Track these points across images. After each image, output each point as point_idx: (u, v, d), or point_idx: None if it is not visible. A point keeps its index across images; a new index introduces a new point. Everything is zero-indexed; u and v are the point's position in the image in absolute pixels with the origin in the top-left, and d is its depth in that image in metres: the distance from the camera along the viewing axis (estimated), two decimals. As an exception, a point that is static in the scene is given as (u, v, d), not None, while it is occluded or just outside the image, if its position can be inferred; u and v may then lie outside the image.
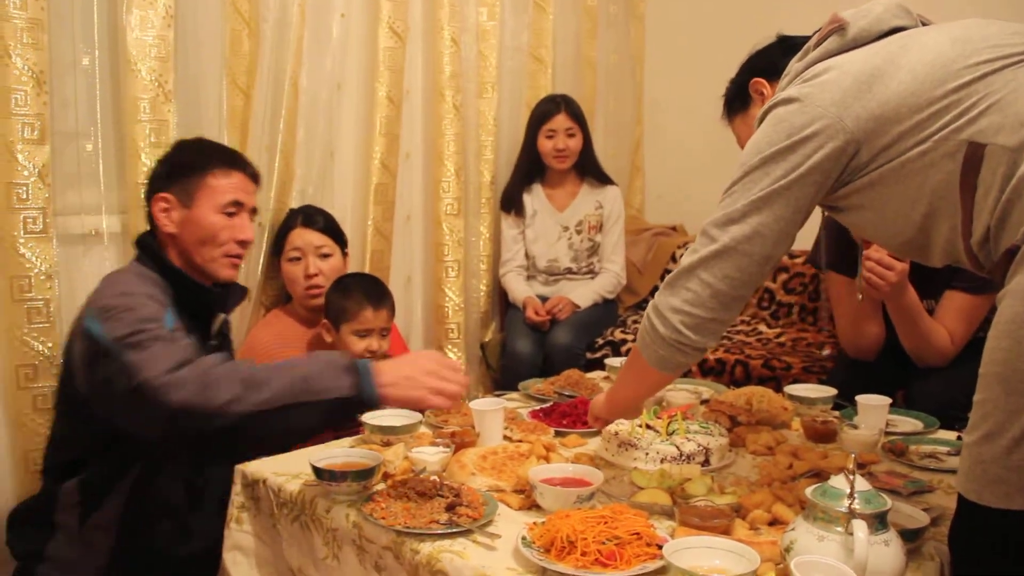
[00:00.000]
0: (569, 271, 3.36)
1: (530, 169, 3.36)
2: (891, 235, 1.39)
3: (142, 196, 2.05)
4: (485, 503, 1.56)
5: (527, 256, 3.38)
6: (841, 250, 2.44)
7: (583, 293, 3.28)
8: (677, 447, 1.82)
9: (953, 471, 1.81)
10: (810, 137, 1.33)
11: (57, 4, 2.18)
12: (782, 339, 3.22)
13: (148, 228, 1.95)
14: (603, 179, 3.38)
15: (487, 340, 3.41)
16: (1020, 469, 1.14)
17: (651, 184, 4.08)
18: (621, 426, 1.92)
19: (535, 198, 3.36)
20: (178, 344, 1.61)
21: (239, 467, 1.76)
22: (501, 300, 3.48)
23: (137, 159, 2.30)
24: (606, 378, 2.60)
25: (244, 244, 1.95)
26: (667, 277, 1.49)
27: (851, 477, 1.31)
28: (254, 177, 1.98)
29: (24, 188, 2.09)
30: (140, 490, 1.76)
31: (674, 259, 3.70)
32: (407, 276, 3.12)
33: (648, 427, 1.93)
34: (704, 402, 2.30)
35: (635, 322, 3.43)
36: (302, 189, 2.72)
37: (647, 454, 1.81)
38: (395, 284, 2.94)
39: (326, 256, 2.55)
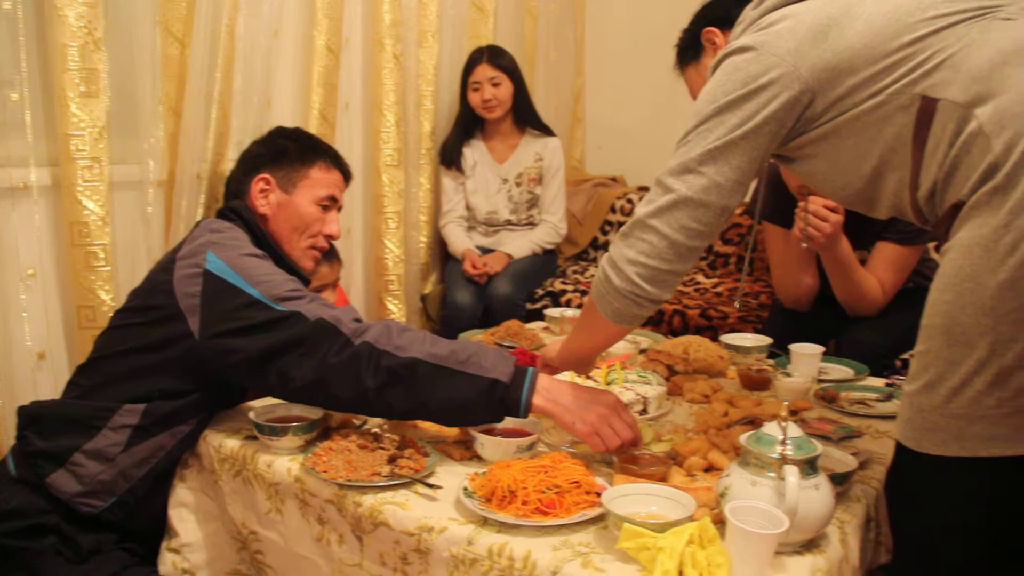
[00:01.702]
0: (509, 223, 3.36)
1: (467, 122, 3.35)
2: (840, 186, 1.40)
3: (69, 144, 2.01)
4: (427, 454, 1.58)
5: (467, 208, 3.37)
6: (777, 202, 2.47)
7: (520, 244, 3.29)
8: (631, 395, 1.86)
9: (882, 416, 1.90)
10: (766, 86, 1.32)
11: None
12: (719, 289, 3.27)
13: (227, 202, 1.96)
14: (543, 130, 3.37)
15: (427, 292, 3.41)
16: (957, 417, 1.20)
17: (591, 135, 4.09)
18: (560, 376, 1.95)
19: (474, 150, 3.35)
20: (344, 306, 1.69)
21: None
22: (441, 251, 3.48)
23: (67, 109, 2.22)
24: (545, 328, 2.63)
25: (331, 238, 2.00)
26: (622, 227, 1.47)
27: (783, 424, 1.35)
28: (348, 177, 2.05)
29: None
30: (193, 438, 1.75)
31: (614, 210, 3.73)
32: (347, 228, 3.09)
33: (587, 377, 1.96)
34: (642, 351, 2.34)
35: (575, 272, 3.46)
36: (239, 140, 2.65)
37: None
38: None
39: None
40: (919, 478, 1.28)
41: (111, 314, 1.87)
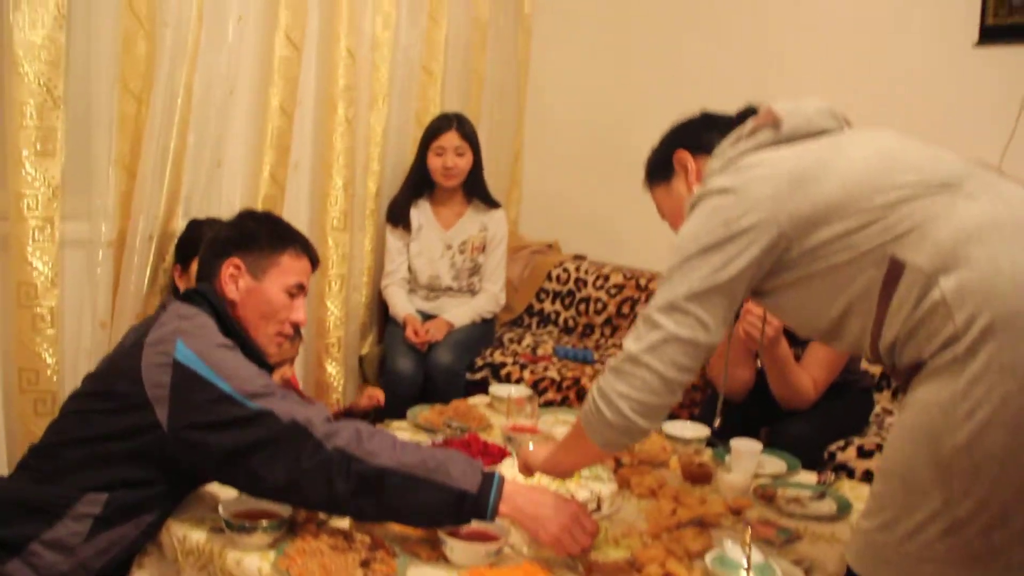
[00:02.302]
0: (450, 289, 3.40)
1: (418, 184, 3.37)
2: (804, 323, 1.50)
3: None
4: (395, 555, 1.60)
5: (410, 270, 3.39)
6: None
7: (461, 312, 3.32)
8: (572, 495, 1.92)
9: (816, 518, 2.01)
10: (746, 230, 1.39)
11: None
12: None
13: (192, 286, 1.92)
14: (489, 202, 3.43)
15: (364, 353, 3.40)
16: (910, 556, 1.29)
17: (527, 199, 4.16)
18: (512, 470, 2.00)
19: (421, 213, 3.38)
20: (314, 402, 1.71)
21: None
22: (380, 311, 3.48)
23: (20, 167, 2.17)
24: (489, 405, 2.66)
25: (297, 325, 1.98)
26: (610, 362, 1.53)
27: (747, 552, 1.44)
28: (315, 264, 2.03)
29: None
30: (158, 528, 1.72)
31: (550, 278, 3.81)
32: (288, 288, 3.06)
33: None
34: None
35: (511, 341, 3.52)
36: (187, 197, 2.63)
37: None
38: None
39: None
40: None
41: (54, 378, 1.84)
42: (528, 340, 3.55)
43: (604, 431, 1.51)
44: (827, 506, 2.09)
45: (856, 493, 2.18)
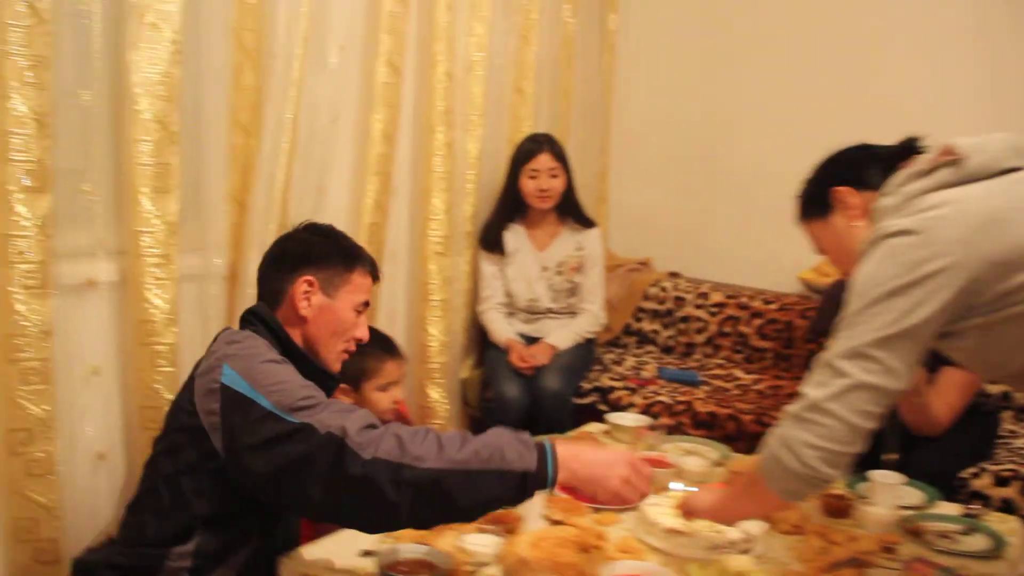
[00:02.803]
0: (550, 311, 3.33)
1: (511, 207, 3.32)
2: (991, 366, 1.46)
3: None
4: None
5: (507, 294, 3.33)
6: None
7: (564, 335, 3.25)
8: (723, 533, 1.84)
9: (971, 555, 1.89)
10: (933, 274, 1.36)
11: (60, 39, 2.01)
12: (760, 386, 3.27)
13: (261, 301, 1.89)
14: (584, 221, 3.36)
15: (464, 377, 3.35)
16: None
17: (616, 216, 4.07)
18: (658, 508, 1.92)
19: (515, 236, 3.32)
20: (356, 409, 1.60)
21: (285, 559, 1.69)
22: (478, 335, 3.43)
23: (137, 205, 2.15)
24: (606, 432, 2.59)
25: (360, 342, 1.96)
26: (790, 409, 1.48)
27: None
28: (377, 280, 2.01)
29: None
30: (254, 566, 1.70)
31: (647, 297, 3.73)
32: (390, 315, 3.03)
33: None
34: (717, 465, 2.33)
35: (613, 362, 3.44)
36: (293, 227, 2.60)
37: (695, 542, 1.81)
38: (379, 323, 2.85)
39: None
40: None
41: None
42: (630, 361, 3.47)
43: (787, 481, 1.47)
44: (980, 542, 1.99)
45: (1008, 527, 2.08)
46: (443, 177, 3.04)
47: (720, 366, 3.48)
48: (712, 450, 2.48)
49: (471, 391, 3.36)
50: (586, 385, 3.24)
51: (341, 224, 2.73)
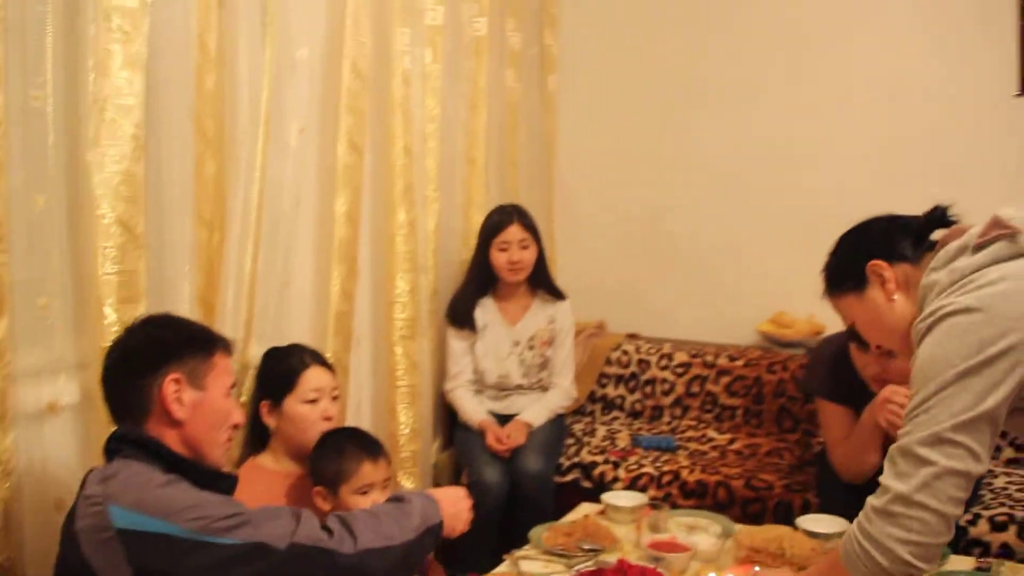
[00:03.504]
0: (520, 387, 3.23)
1: (481, 282, 3.22)
2: None
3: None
4: None
5: (475, 371, 3.22)
6: (838, 383, 2.54)
7: (537, 411, 3.15)
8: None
9: None
10: (1005, 351, 1.34)
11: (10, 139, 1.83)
12: (736, 446, 3.23)
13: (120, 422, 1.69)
14: (556, 294, 3.29)
15: (434, 462, 3.21)
16: None
17: (565, 281, 4.00)
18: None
19: (486, 311, 3.22)
20: (290, 511, 1.58)
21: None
22: (445, 416, 3.30)
23: (101, 316, 1.96)
24: (601, 512, 2.49)
25: (236, 428, 1.81)
26: (874, 503, 1.43)
27: None
28: (232, 354, 1.85)
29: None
30: None
31: (609, 362, 3.66)
32: (356, 405, 2.87)
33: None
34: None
35: (584, 434, 3.35)
36: (260, 326, 2.44)
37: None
38: (346, 414, 2.69)
39: (335, 399, 2.32)
40: None
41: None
42: (601, 431, 3.38)
43: None
44: None
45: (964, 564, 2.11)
46: (406, 257, 2.92)
47: (692, 427, 3.44)
48: (712, 523, 2.41)
49: (444, 477, 3.21)
50: (565, 462, 3.14)
51: (308, 316, 2.62)
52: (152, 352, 1.68)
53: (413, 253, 2.94)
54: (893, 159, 3.43)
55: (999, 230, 1.44)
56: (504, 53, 3.55)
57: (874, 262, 1.64)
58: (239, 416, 1.79)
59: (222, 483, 1.68)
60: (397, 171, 2.87)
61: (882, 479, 1.43)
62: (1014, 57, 3.26)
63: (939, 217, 1.65)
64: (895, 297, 1.62)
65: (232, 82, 2.30)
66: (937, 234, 1.64)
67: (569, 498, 2.87)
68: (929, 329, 1.43)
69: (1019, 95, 3.25)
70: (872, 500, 1.44)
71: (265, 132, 2.36)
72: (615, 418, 3.61)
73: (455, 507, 1.79)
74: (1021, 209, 1.47)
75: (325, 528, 1.57)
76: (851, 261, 1.70)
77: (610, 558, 2.16)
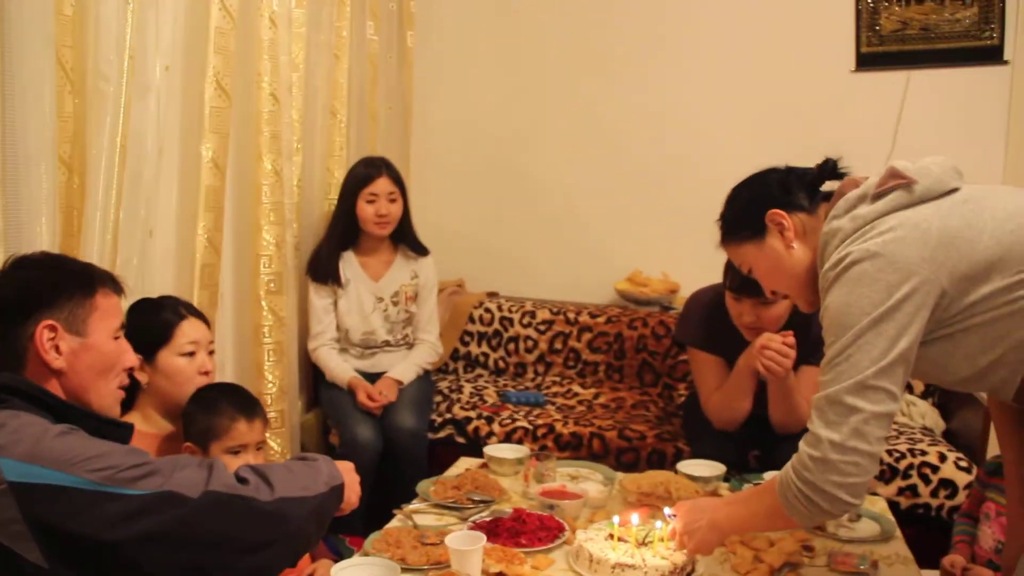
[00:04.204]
0: (387, 343, 3.16)
1: (345, 235, 3.11)
2: (944, 372, 1.54)
3: None
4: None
5: (339, 328, 3.12)
6: (711, 333, 2.63)
7: (406, 368, 3.10)
8: (670, 560, 1.81)
9: (870, 540, 2.04)
10: (910, 294, 1.44)
11: None
12: (602, 400, 3.31)
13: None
14: (419, 249, 3.22)
15: (301, 421, 3.09)
16: None
17: (424, 238, 3.96)
18: (592, 544, 1.87)
19: (348, 266, 3.11)
20: (195, 460, 1.48)
21: None
22: (309, 375, 3.18)
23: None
24: (483, 465, 2.49)
25: (131, 371, 1.71)
26: (813, 454, 1.50)
27: None
28: (122, 293, 1.72)
29: None
30: None
31: (472, 320, 3.65)
32: (220, 363, 2.69)
33: (621, 539, 1.90)
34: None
35: (451, 390, 3.33)
36: (123, 277, 2.25)
37: (647, 573, 1.78)
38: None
39: (211, 353, 2.19)
40: None
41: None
42: (468, 388, 3.37)
43: (818, 517, 1.55)
44: (870, 526, 2.15)
45: (879, 507, 2.28)
46: (273, 208, 2.78)
47: (556, 383, 3.49)
48: (593, 471, 2.47)
49: (309, 438, 3.11)
50: (437, 418, 3.12)
51: (172, 269, 2.45)
52: (21, 298, 1.54)
53: (279, 205, 2.80)
54: (744, 126, 3.60)
55: (896, 180, 1.53)
56: (365, 4, 3.43)
57: (774, 211, 1.70)
58: (132, 359, 1.68)
59: (118, 432, 1.56)
60: (265, 117, 2.72)
61: (812, 428, 1.51)
62: (851, 36, 3.49)
63: (831, 169, 1.73)
64: (794, 245, 1.69)
65: (95, 9, 2.09)
66: (829, 186, 1.72)
67: (443, 454, 2.87)
68: (837, 277, 1.50)
69: (855, 71, 3.49)
70: (807, 449, 1.51)
71: (130, 67, 2.17)
72: (479, 375, 3.62)
73: (350, 476, 1.70)
74: (915, 162, 1.57)
75: (239, 477, 1.49)
76: (750, 210, 1.75)
77: (503, 508, 2.17)
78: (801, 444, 1.54)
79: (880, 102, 3.48)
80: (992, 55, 3.37)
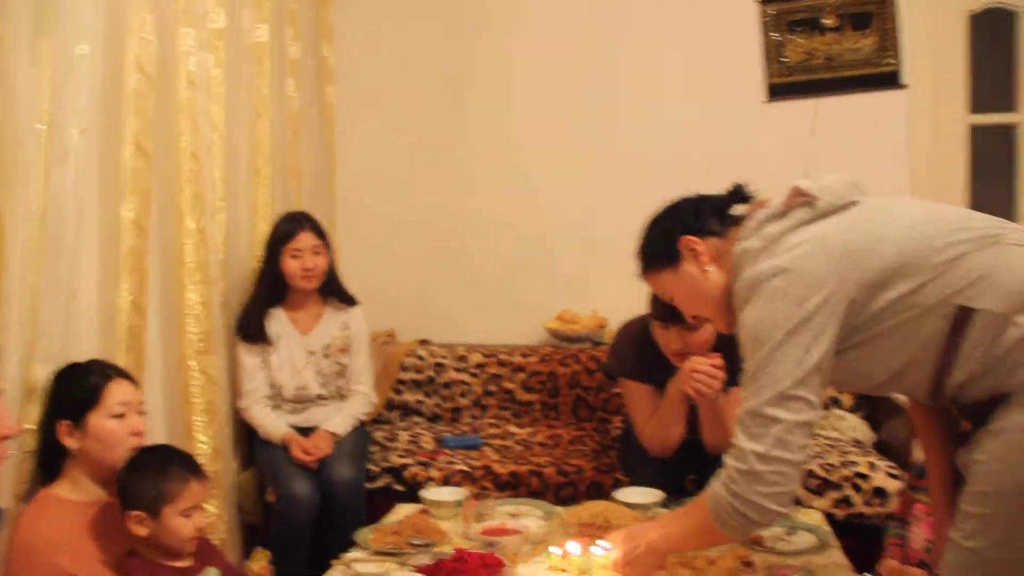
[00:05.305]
0: (320, 397, 3.14)
1: (271, 292, 3.10)
2: (860, 379, 1.61)
3: None
4: None
5: (271, 385, 3.10)
6: (642, 362, 2.68)
7: (341, 421, 3.08)
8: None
9: (807, 551, 2.10)
10: (821, 305, 1.50)
11: None
12: (539, 438, 3.34)
13: None
14: (347, 300, 3.23)
15: (235, 481, 3.04)
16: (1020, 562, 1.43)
17: (352, 290, 3.97)
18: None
19: (278, 322, 3.10)
20: None
21: None
22: (242, 434, 3.15)
23: None
24: (423, 511, 2.48)
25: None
26: (739, 467, 1.55)
27: None
28: None
29: None
30: None
31: (405, 368, 3.66)
32: (150, 426, 2.64)
33: (562, 571, 1.91)
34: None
35: (388, 440, 3.32)
36: (46, 345, 2.22)
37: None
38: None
39: (142, 414, 2.16)
40: None
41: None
42: (404, 436, 3.37)
43: (749, 529, 1.60)
44: (807, 538, 2.21)
45: (813, 519, 2.36)
46: (197, 268, 2.77)
47: (493, 425, 3.51)
48: (533, 508, 2.48)
49: (245, 496, 3.06)
50: (373, 468, 3.11)
51: (97, 332, 2.42)
52: None
53: (204, 263, 2.80)
54: (662, 162, 3.70)
55: (800, 198, 1.61)
56: (284, 62, 3.47)
57: (686, 238, 1.77)
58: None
59: None
60: (185, 176, 2.73)
61: (736, 442, 1.56)
62: (760, 68, 3.65)
63: (739, 193, 1.81)
64: (708, 268, 1.75)
65: (9, 77, 2.09)
66: (738, 209, 1.80)
67: (381, 503, 2.85)
68: (751, 294, 1.57)
69: (766, 101, 3.64)
70: (733, 463, 1.56)
71: (47, 132, 2.17)
72: (415, 423, 3.62)
73: None
74: (815, 181, 1.65)
75: None
76: (663, 239, 1.81)
77: (444, 550, 2.17)
78: (727, 459, 1.59)
79: (792, 129, 3.63)
80: (891, 80, 3.56)
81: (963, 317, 1.46)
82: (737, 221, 1.75)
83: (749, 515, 1.54)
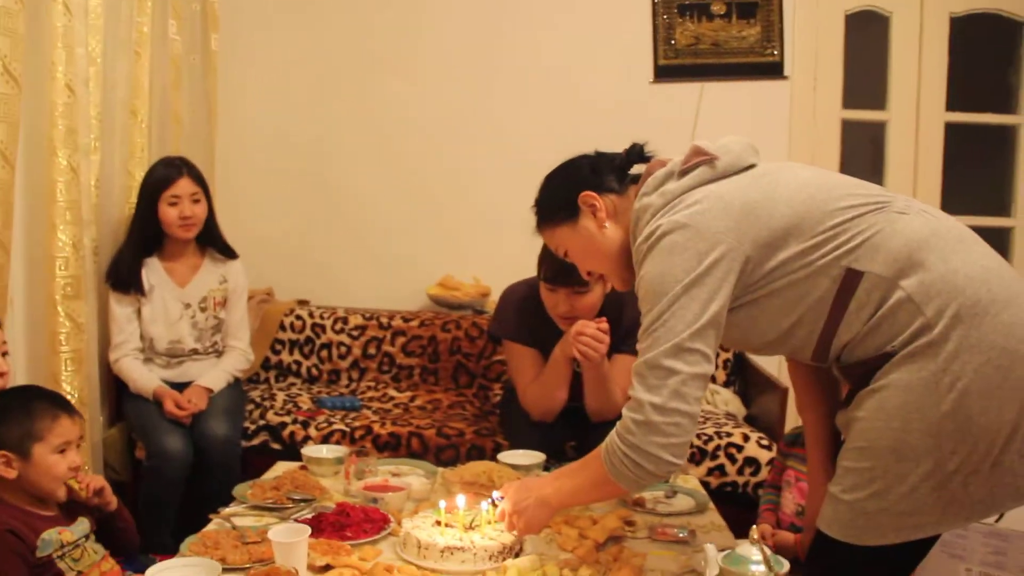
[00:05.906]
0: (195, 352, 3.01)
1: (147, 240, 2.95)
2: (751, 337, 1.65)
3: None
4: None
5: (143, 338, 2.95)
6: (525, 326, 2.70)
7: (216, 376, 2.97)
8: (498, 541, 1.85)
9: (688, 512, 2.19)
10: (718, 260, 1.53)
11: None
12: (418, 402, 3.31)
13: None
14: (227, 252, 3.10)
15: (103, 438, 2.89)
16: (900, 514, 1.48)
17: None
18: (420, 531, 1.88)
19: (152, 272, 2.95)
20: None
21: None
22: (111, 387, 2.99)
23: None
24: (302, 467, 2.43)
25: None
26: (635, 418, 1.56)
27: (761, 547, 1.55)
28: None
29: None
30: None
31: (283, 327, 3.57)
32: (11, 373, 2.49)
33: (448, 524, 1.91)
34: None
35: (264, 399, 3.22)
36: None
37: (476, 555, 1.81)
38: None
39: (5, 354, 2.04)
40: (859, 564, 1.55)
41: None
42: (280, 396, 3.28)
43: (644, 480, 1.61)
44: (686, 501, 2.30)
45: (691, 484, 2.44)
46: (67, 207, 2.61)
47: (372, 388, 3.46)
48: (414, 467, 2.48)
49: (113, 454, 2.92)
50: (250, 425, 3.01)
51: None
52: None
53: (76, 203, 2.63)
54: (548, 134, 3.68)
55: (700, 156, 1.65)
56: (167, 3, 3.30)
57: (586, 193, 1.78)
58: None
59: None
60: (59, 109, 2.56)
61: (633, 393, 1.58)
62: (649, 49, 3.71)
63: (638, 152, 1.84)
64: (606, 225, 1.78)
65: None
66: (637, 168, 1.83)
67: (258, 462, 2.78)
68: (651, 249, 1.59)
69: (653, 82, 3.71)
70: (629, 414, 1.58)
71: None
72: (292, 384, 3.54)
73: None
74: (716, 141, 1.69)
75: None
76: (563, 194, 1.82)
77: (326, 504, 2.13)
78: (624, 410, 1.61)
79: (677, 111, 3.71)
80: (774, 70, 3.70)
81: (851, 279, 1.51)
82: (636, 179, 1.79)
83: (644, 465, 1.57)
